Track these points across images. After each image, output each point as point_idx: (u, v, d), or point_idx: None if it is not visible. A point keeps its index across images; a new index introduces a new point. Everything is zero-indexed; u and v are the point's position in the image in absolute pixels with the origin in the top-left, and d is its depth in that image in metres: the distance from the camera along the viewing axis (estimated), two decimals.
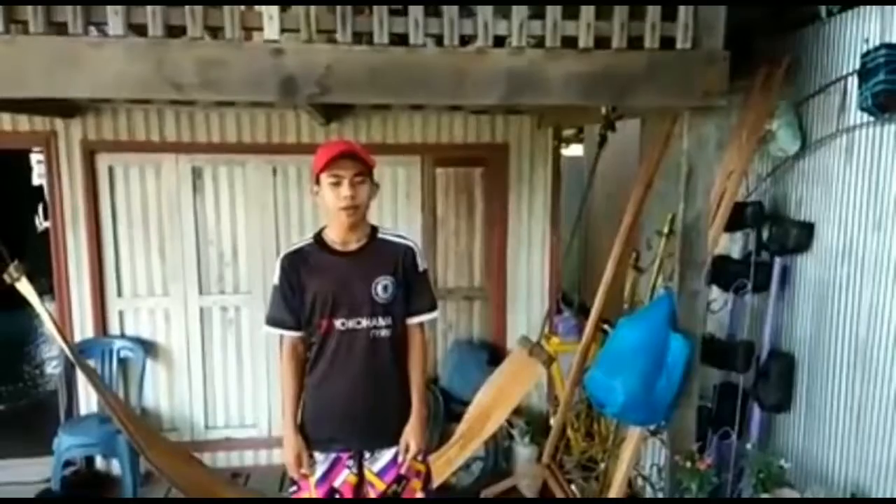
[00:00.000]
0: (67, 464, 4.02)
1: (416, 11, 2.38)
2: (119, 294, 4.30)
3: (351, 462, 2.47)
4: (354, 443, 2.47)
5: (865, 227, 2.58)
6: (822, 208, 2.81)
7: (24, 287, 3.14)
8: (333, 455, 2.46)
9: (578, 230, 4.77)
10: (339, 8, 2.35)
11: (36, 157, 8.48)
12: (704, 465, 2.70)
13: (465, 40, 2.49)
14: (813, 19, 2.83)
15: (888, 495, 2.46)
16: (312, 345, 2.44)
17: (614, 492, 3.03)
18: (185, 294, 4.36)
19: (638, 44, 2.51)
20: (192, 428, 4.45)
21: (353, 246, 2.42)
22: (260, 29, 2.37)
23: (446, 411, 4.38)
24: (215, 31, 2.40)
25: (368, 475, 2.49)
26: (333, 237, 2.43)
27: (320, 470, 2.46)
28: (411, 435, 2.46)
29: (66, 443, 3.91)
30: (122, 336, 4.30)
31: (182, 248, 4.32)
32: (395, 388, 2.48)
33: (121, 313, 4.32)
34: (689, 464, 2.71)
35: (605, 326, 3.68)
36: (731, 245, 3.27)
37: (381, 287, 2.39)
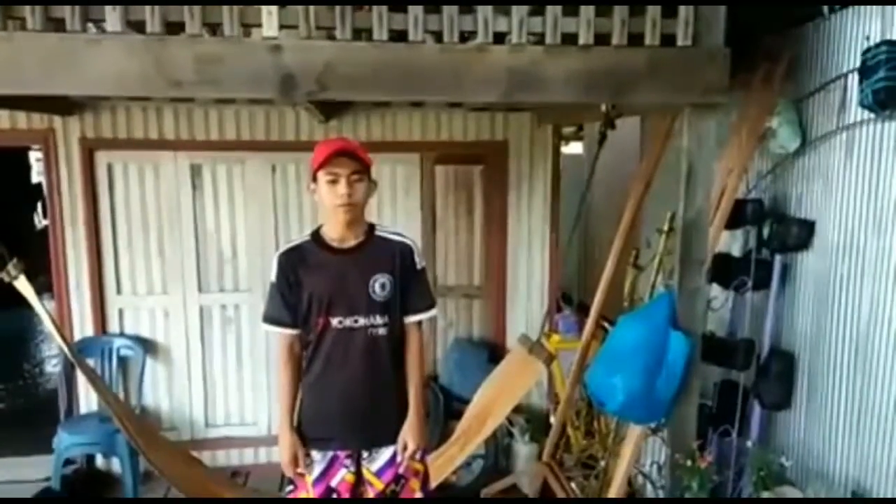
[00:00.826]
0: (67, 462, 4.01)
1: (415, 8, 2.37)
2: (118, 292, 4.29)
3: (348, 461, 2.45)
4: (352, 442, 2.46)
5: (866, 224, 2.57)
6: (823, 206, 2.80)
7: (23, 285, 3.12)
8: (331, 454, 2.45)
9: (578, 228, 4.76)
10: (338, 4, 2.34)
11: (35, 155, 8.49)
12: (705, 462, 2.70)
13: (465, 37, 2.49)
14: (814, 16, 2.83)
15: (889, 493, 2.45)
16: (309, 343, 2.43)
17: (614, 490, 3.03)
18: (185, 292, 4.36)
19: (638, 41, 2.51)
20: (192, 426, 4.44)
21: (351, 244, 2.41)
22: (259, 25, 2.36)
23: (446, 409, 4.37)
24: (214, 28, 2.39)
25: (366, 474, 2.47)
26: (331, 235, 2.42)
27: (317, 469, 2.45)
28: (409, 434, 2.45)
29: (66, 441, 3.91)
30: (122, 334, 4.30)
31: (181, 246, 4.31)
32: (392, 387, 2.46)
33: (120, 311, 4.31)
34: (689, 462, 2.71)
35: (605, 324, 3.67)
36: (732, 243, 3.26)
37: (379, 285, 2.38)
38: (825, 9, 2.74)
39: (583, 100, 2.65)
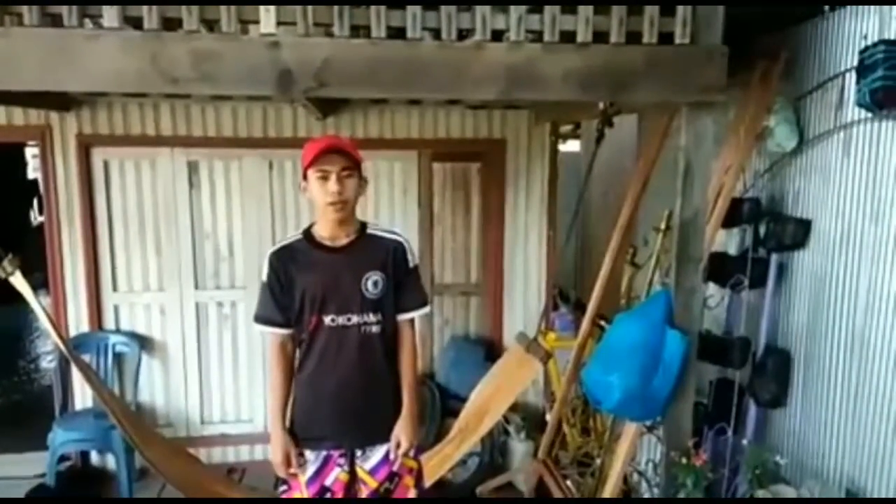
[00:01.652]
0: (62, 459, 4.00)
1: (414, 5, 2.37)
2: (114, 288, 4.28)
3: (342, 460, 2.45)
4: (345, 440, 2.45)
5: (862, 222, 2.58)
6: (820, 205, 2.81)
7: (18, 281, 3.11)
8: (324, 453, 2.44)
9: (575, 226, 4.77)
10: (336, 4, 2.34)
11: (31, 151, 8.46)
12: (700, 460, 2.70)
13: (463, 35, 2.48)
14: (811, 15, 2.83)
15: (883, 491, 2.47)
16: (302, 342, 2.42)
17: (610, 487, 3.03)
18: (181, 289, 4.35)
19: (636, 39, 2.51)
20: (188, 423, 4.44)
21: (343, 241, 2.40)
22: (256, 22, 2.35)
23: (443, 407, 4.37)
24: (211, 24, 2.38)
25: (360, 473, 2.47)
26: (322, 233, 2.41)
27: (311, 468, 2.44)
28: (402, 431, 2.44)
29: (61, 438, 3.90)
30: (118, 331, 4.28)
31: (177, 242, 4.30)
32: (386, 385, 2.46)
33: (116, 308, 4.30)
34: (684, 459, 2.72)
35: (602, 322, 3.68)
36: (728, 241, 3.27)
37: (371, 283, 2.37)
38: (826, 8, 2.74)
39: (581, 98, 2.64)
